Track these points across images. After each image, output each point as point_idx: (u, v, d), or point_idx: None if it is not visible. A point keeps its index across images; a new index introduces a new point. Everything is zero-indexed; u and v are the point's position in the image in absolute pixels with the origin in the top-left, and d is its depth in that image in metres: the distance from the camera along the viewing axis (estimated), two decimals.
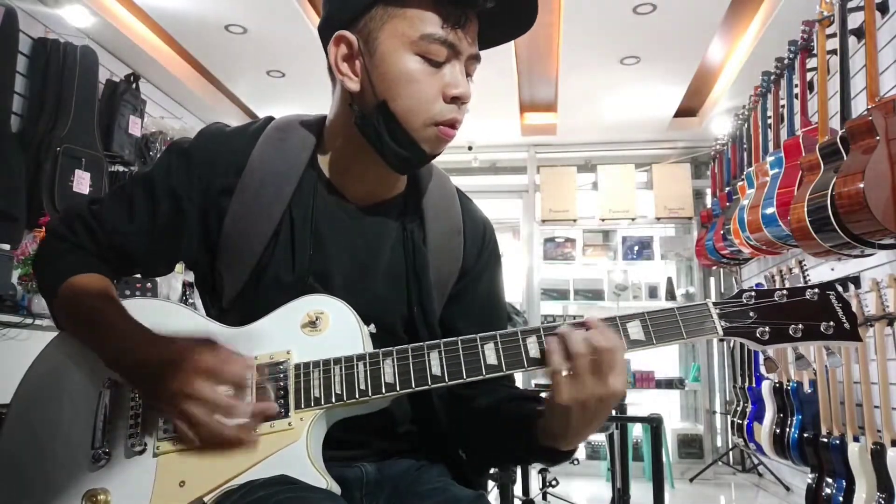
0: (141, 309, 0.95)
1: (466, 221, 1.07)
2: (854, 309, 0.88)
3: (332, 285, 0.96)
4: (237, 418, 0.81)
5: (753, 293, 0.88)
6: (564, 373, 0.81)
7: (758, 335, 0.86)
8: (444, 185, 1.08)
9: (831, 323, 0.86)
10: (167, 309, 0.97)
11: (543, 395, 0.90)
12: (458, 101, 0.92)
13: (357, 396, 0.85)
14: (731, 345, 4.73)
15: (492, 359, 0.85)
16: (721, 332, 0.86)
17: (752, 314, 0.87)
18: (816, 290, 0.87)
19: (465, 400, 1.01)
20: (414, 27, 0.88)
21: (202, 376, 0.80)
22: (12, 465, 0.89)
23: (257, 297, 0.95)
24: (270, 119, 1.04)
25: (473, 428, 1.02)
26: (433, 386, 0.85)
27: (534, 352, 0.85)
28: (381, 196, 1.02)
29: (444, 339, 0.87)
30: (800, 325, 0.86)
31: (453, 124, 0.93)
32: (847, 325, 0.86)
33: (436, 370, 0.85)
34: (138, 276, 1.06)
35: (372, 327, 0.92)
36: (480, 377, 0.85)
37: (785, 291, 0.88)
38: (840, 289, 0.88)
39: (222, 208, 0.97)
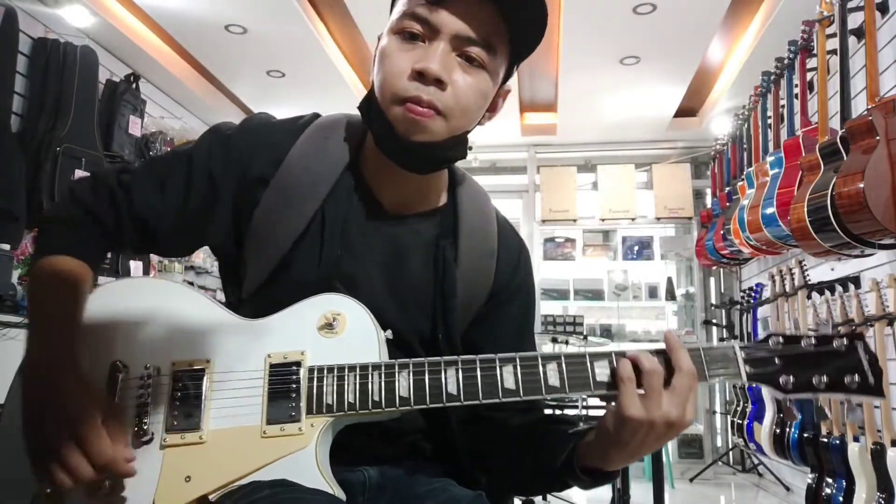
0: (153, 288, 0.95)
1: (501, 244, 1.05)
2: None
3: (355, 289, 0.93)
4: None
5: (781, 339, 0.87)
6: (633, 386, 0.80)
7: (781, 383, 0.85)
8: (482, 205, 1.06)
9: (856, 377, 0.84)
10: (181, 292, 0.95)
11: (596, 410, 0.87)
12: (422, 77, 0.85)
13: (370, 407, 0.84)
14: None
15: (509, 382, 0.83)
16: (745, 378, 0.85)
17: (777, 361, 0.85)
18: (845, 339, 0.86)
19: (494, 421, 1.00)
20: (398, 10, 0.89)
21: (70, 435, 0.77)
22: (14, 456, 0.88)
23: (278, 292, 0.93)
24: (317, 115, 1.03)
25: (503, 449, 0.99)
26: (447, 404, 0.83)
27: (553, 379, 0.83)
28: (417, 207, 1.01)
29: (463, 357, 0.85)
30: (824, 378, 0.84)
31: (418, 101, 0.86)
32: (871, 381, 0.84)
33: (451, 388, 0.83)
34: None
35: (389, 333, 0.90)
36: (496, 400, 0.83)
37: (813, 340, 0.86)
38: (869, 342, 0.86)
39: (256, 198, 0.95)
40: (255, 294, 0.95)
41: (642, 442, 0.81)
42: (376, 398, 0.84)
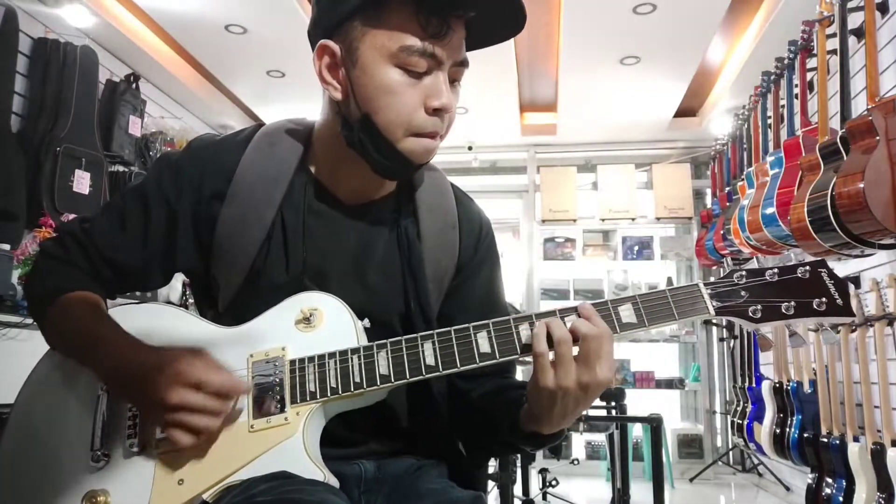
0: (136, 313, 0.96)
1: (462, 217, 1.07)
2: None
3: (328, 284, 0.96)
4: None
5: (744, 272, 0.88)
6: (549, 357, 0.82)
7: (750, 314, 0.86)
8: (437, 181, 1.08)
9: (823, 299, 0.85)
10: (162, 311, 0.97)
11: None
12: (439, 112, 0.91)
13: (352, 389, 0.86)
14: (731, 345, 4.73)
15: (485, 347, 0.86)
16: (713, 312, 0.87)
17: (743, 293, 0.87)
18: (808, 267, 0.87)
19: (463, 393, 1.03)
20: (393, 39, 0.87)
21: (187, 386, 0.80)
22: (14, 466, 0.89)
23: (253, 300, 0.95)
24: (259, 126, 1.05)
25: (468, 420, 1.02)
26: (427, 376, 0.86)
27: (526, 338, 0.86)
28: (373, 195, 1.03)
29: (438, 330, 0.88)
30: (792, 303, 0.86)
31: (433, 136, 0.92)
32: (839, 301, 0.85)
33: (430, 360, 0.86)
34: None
35: (366, 322, 0.93)
36: (474, 365, 0.86)
37: (776, 270, 0.87)
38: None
39: (213, 215, 0.97)
40: (230, 306, 0.97)
41: (564, 406, 0.83)
42: (357, 379, 0.86)
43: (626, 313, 0.86)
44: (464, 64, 0.93)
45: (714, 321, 5.11)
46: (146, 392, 0.81)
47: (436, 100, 0.89)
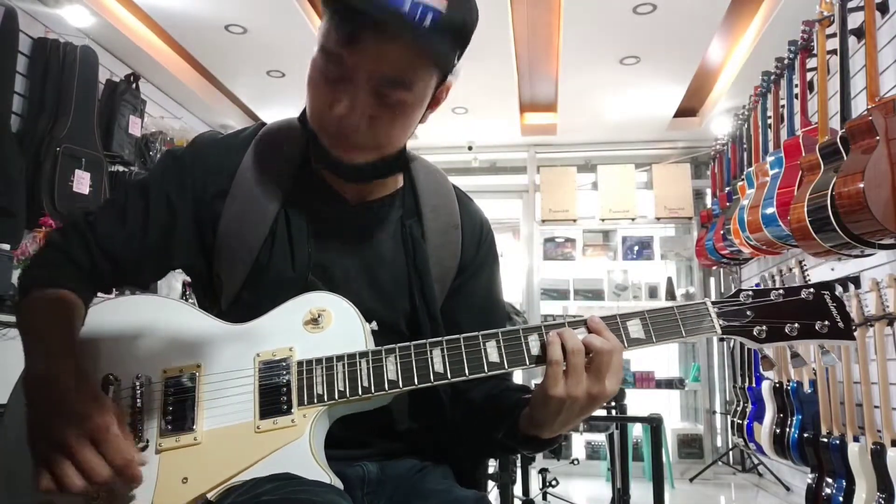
0: (139, 305, 0.95)
1: (464, 217, 1.08)
2: (853, 310, 0.89)
3: (333, 281, 0.96)
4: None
5: (751, 293, 0.90)
6: (563, 367, 0.83)
7: (755, 334, 0.89)
8: (440, 182, 1.09)
9: (826, 322, 0.88)
10: (165, 305, 0.96)
11: (533, 382, 0.90)
12: (341, 119, 0.88)
13: (360, 393, 0.86)
14: (731, 345, 4.73)
15: (494, 356, 0.86)
16: (720, 331, 0.89)
17: (749, 313, 0.89)
18: (812, 289, 0.90)
19: (460, 393, 1.03)
20: (321, 34, 0.88)
21: (89, 434, 0.77)
22: (12, 465, 0.88)
23: (258, 296, 0.95)
24: (262, 125, 1.05)
25: (464, 420, 1.03)
26: (436, 383, 0.86)
27: (535, 349, 0.87)
28: (377, 193, 1.03)
29: (447, 337, 0.88)
30: (795, 325, 0.89)
31: (344, 139, 0.90)
32: (841, 325, 0.88)
33: (438, 367, 0.86)
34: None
35: (374, 324, 0.93)
36: (483, 374, 0.86)
37: (781, 291, 0.90)
38: (838, 288, 0.91)
39: (217, 212, 0.98)
40: (234, 303, 0.97)
41: (569, 413, 0.84)
42: (365, 384, 0.86)
43: (635, 329, 0.88)
44: (389, 83, 0.86)
45: None
46: (47, 418, 0.78)
47: (338, 108, 0.87)
